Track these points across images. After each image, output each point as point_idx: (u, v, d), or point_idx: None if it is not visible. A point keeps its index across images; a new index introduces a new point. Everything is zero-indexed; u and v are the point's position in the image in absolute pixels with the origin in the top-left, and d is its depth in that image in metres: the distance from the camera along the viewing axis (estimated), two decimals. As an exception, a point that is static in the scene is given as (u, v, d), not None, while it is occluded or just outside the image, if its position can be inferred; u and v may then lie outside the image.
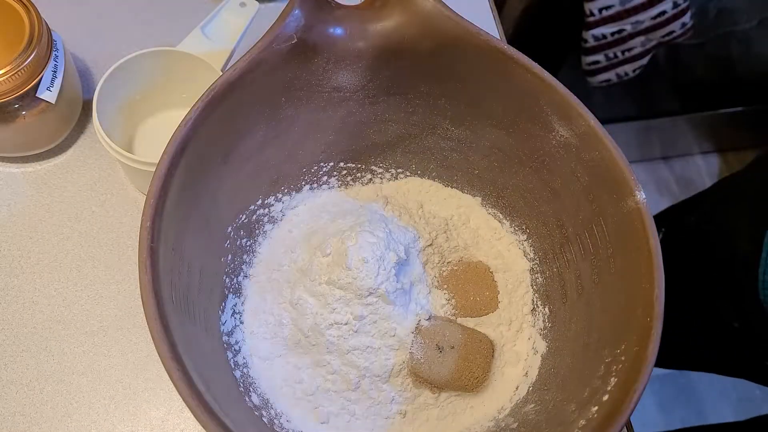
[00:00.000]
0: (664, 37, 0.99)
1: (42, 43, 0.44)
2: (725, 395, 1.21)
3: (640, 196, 0.36)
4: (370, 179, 0.48)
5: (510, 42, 0.43)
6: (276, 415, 0.40)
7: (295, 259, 0.43)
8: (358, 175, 0.48)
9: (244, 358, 0.41)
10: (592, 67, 1.04)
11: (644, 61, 1.04)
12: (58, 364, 0.45)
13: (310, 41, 0.39)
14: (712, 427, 0.75)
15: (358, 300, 0.40)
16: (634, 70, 1.05)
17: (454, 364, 0.41)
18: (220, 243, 0.41)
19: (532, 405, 0.40)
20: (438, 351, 0.41)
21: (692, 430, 0.77)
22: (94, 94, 0.46)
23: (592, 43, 1.00)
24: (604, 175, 0.38)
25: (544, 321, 0.44)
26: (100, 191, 0.51)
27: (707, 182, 1.38)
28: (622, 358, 0.34)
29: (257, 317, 0.42)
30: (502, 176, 0.46)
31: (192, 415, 0.29)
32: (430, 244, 0.45)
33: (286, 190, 0.46)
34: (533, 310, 0.45)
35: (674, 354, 0.70)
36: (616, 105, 1.27)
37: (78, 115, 0.52)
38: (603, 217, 0.39)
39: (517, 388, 0.42)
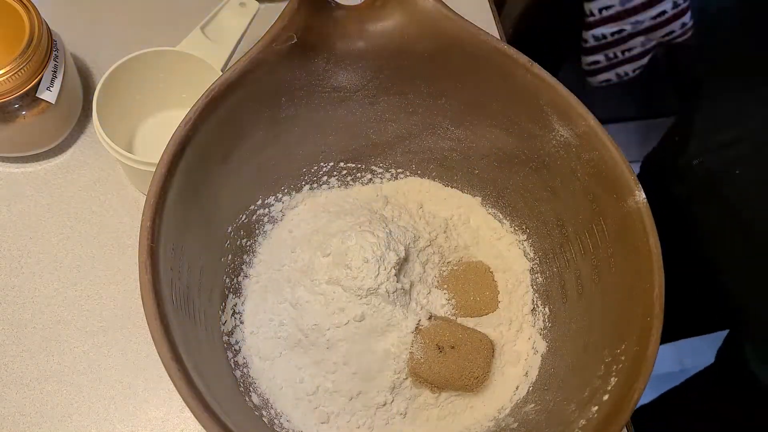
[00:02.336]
0: (664, 37, 0.99)
1: (42, 44, 0.44)
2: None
3: (640, 196, 0.36)
4: (370, 179, 0.48)
5: (510, 42, 0.42)
6: (276, 415, 0.40)
7: (296, 259, 0.43)
8: (358, 175, 0.48)
9: (244, 358, 0.41)
10: (592, 67, 1.04)
11: (644, 61, 1.04)
12: (58, 364, 0.45)
13: (310, 41, 0.39)
14: (690, 380, 0.75)
15: (359, 300, 0.40)
16: (634, 70, 1.05)
17: (454, 364, 0.41)
18: (220, 243, 0.41)
19: (533, 405, 0.40)
20: (438, 351, 0.41)
21: (674, 390, 0.77)
22: (94, 94, 0.46)
23: (592, 43, 1.00)
24: (604, 174, 0.38)
25: (544, 321, 0.44)
26: (100, 191, 0.51)
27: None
28: (622, 358, 0.35)
29: (257, 317, 0.42)
30: (502, 176, 0.46)
31: (192, 415, 0.29)
32: (430, 244, 0.45)
33: (286, 190, 0.46)
34: (533, 309, 0.45)
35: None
36: (616, 105, 1.27)
37: (78, 115, 0.52)
38: (603, 217, 0.39)
39: (517, 388, 0.42)
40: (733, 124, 0.57)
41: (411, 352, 0.41)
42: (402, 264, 0.42)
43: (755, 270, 0.56)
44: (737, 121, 0.56)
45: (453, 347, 0.41)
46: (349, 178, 0.48)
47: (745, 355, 0.60)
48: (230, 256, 0.42)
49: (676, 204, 0.63)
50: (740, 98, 0.56)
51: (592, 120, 0.38)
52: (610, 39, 0.99)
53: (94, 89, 0.46)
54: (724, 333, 0.70)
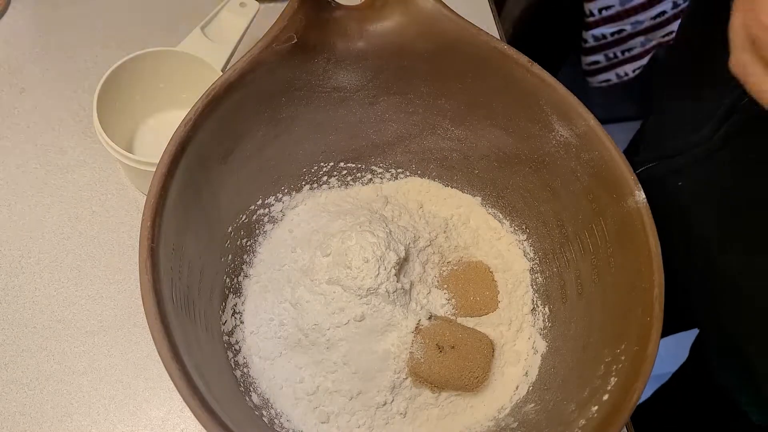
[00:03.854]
0: (663, 37, 0.99)
1: None
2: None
3: (640, 195, 0.36)
4: (370, 179, 0.48)
5: (510, 42, 0.43)
6: (276, 414, 0.40)
7: (296, 259, 0.43)
8: (358, 175, 0.48)
9: (244, 357, 0.41)
10: (592, 67, 1.04)
11: (644, 61, 1.04)
12: (58, 364, 0.45)
13: (310, 41, 0.39)
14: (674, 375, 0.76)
15: (359, 299, 0.40)
16: (634, 70, 1.05)
17: (454, 363, 0.41)
18: (221, 243, 0.41)
19: (532, 405, 0.40)
20: (438, 351, 0.41)
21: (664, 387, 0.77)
22: (94, 94, 0.46)
23: (592, 43, 1.00)
24: (604, 174, 0.38)
25: (544, 321, 0.44)
26: (100, 191, 0.51)
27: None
28: (622, 358, 0.35)
29: (257, 317, 0.42)
30: (502, 176, 0.46)
31: (192, 415, 0.29)
32: (430, 244, 0.45)
33: (286, 190, 0.46)
34: (533, 309, 0.45)
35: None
36: (616, 105, 1.27)
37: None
38: (603, 217, 0.39)
39: (517, 388, 0.42)
40: (680, 134, 0.58)
41: (411, 352, 0.41)
42: (402, 264, 0.42)
43: (699, 282, 0.56)
44: (685, 130, 0.57)
45: (453, 347, 0.41)
46: (349, 178, 0.48)
47: (708, 356, 0.60)
48: (230, 256, 0.42)
49: None
50: (692, 108, 0.57)
51: (592, 120, 0.38)
52: (610, 39, 0.99)
53: (95, 89, 0.46)
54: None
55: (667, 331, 0.76)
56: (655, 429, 0.76)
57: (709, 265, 0.54)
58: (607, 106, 1.26)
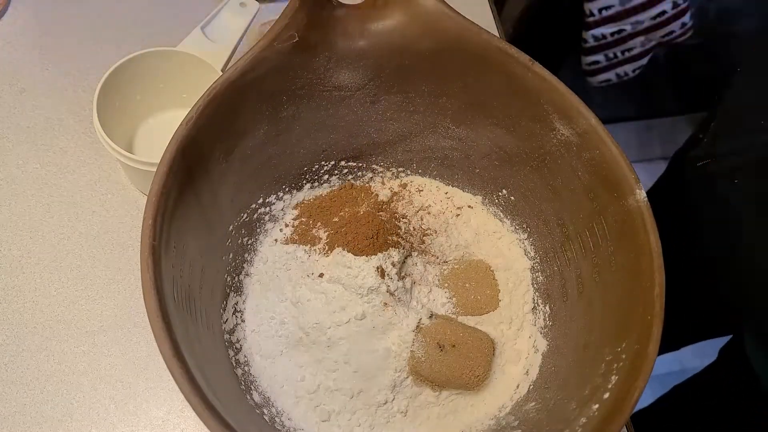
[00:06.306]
0: (663, 37, 0.99)
1: None
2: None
3: (641, 194, 0.36)
4: (371, 178, 0.48)
5: (510, 42, 0.42)
6: (277, 413, 0.40)
7: (297, 258, 0.43)
8: (359, 173, 0.48)
9: (245, 356, 0.41)
10: (592, 67, 1.04)
11: (644, 61, 1.04)
12: (59, 364, 0.45)
13: (311, 40, 0.39)
14: (692, 379, 0.76)
15: (360, 298, 0.40)
16: (634, 70, 1.05)
17: (455, 362, 0.41)
18: (222, 241, 0.41)
19: (533, 403, 0.40)
20: (439, 349, 0.41)
21: (679, 387, 0.77)
22: (94, 94, 0.46)
23: (592, 43, 1.00)
24: (605, 173, 0.38)
25: (544, 319, 0.44)
26: (100, 191, 0.51)
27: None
28: (623, 356, 0.34)
29: (258, 315, 0.42)
30: (503, 175, 0.46)
31: (193, 414, 0.29)
32: (431, 243, 0.45)
33: (287, 189, 0.46)
34: (534, 308, 0.45)
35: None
36: (616, 105, 1.28)
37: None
38: (603, 216, 0.39)
39: (517, 387, 0.42)
40: (746, 132, 0.56)
41: (412, 351, 0.40)
42: (403, 263, 0.42)
43: (749, 274, 0.57)
44: (752, 127, 0.56)
45: (454, 346, 0.41)
46: (350, 177, 0.48)
47: (747, 355, 0.60)
48: (231, 255, 0.42)
49: (678, 200, 0.63)
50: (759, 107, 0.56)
51: (592, 119, 0.38)
52: (610, 39, 0.99)
53: (95, 89, 0.46)
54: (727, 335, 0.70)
55: (694, 338, 0.75)
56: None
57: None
58: (607, 106, 1.26)
